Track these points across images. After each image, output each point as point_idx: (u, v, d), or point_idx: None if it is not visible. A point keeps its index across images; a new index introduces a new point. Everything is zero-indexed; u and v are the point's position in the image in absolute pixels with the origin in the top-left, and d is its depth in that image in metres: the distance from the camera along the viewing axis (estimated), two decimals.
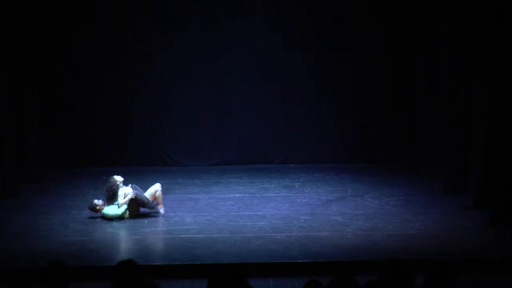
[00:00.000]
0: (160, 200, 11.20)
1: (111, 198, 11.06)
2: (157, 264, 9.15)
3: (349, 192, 12.66)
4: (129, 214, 11.04)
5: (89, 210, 11.10)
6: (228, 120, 14.91)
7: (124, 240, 10.44)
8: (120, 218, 10.99)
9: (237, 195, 12.56)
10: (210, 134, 14.94)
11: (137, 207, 11.09)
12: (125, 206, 10.97)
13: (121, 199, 10.98)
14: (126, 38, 14.56)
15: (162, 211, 11.16)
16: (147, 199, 11.10)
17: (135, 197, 10.98)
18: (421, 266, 5.61)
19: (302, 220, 10.91)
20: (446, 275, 5.27)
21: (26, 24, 13.00)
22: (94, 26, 14.42)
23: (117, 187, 11.05)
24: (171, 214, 11.30)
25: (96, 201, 11.10)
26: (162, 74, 14.71)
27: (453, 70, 12.31)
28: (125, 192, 11.07)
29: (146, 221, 10.98)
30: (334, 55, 14.69)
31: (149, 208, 11.16)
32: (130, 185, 11.35)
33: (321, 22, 14.61)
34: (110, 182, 11.13)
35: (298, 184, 13.23)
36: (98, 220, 11.02)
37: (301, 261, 9.21)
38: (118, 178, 11.16)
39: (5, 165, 12.30)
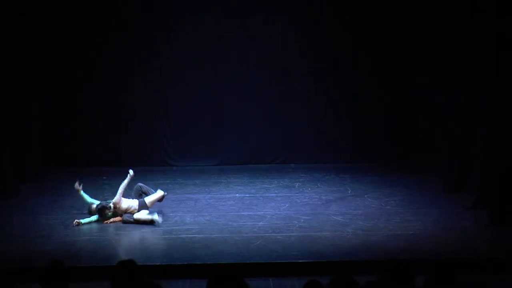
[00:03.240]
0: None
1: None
2: (157, 264, 9.15)
3: (349, 192, 12.66)
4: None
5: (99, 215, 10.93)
6: (228, 120, 14.91)
7: (124, 240, 10.43)
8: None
9: (237, 195, 12.56)
10: (210, 134, 14.93)
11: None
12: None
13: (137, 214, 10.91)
14: (126, 38, 14.55)
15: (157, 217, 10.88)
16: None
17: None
18: (421, 266, 5.60)
19: (302, 220, 10.92)
20: (446, 275, 5.27)
21: (26, 24, 12.99)
22: (94, 26, 14.41)
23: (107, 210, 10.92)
24: (171, 214, 11.30)
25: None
26: (162, 74, 14.70)
27: (453, 70, 12.31)
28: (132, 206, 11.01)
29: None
30: (334, 55, 14.69)
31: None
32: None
33: (321, 22, 14.61)
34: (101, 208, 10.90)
35: (298, 184, 13.23)
36: (97, 219, 11.02)
37: (301, 261, 9.21)
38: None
39: (5, 165, 12.30)
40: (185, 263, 9.21)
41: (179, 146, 14.94)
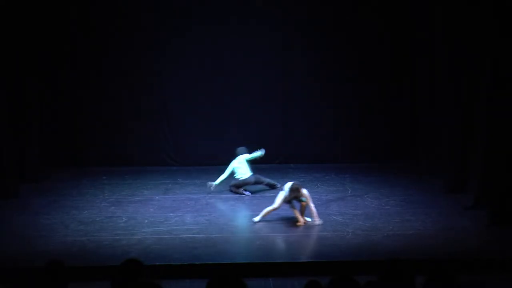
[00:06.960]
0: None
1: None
2: (157, 264, 9.15)
3: (349, 192, 12.67)
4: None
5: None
6: (228, 120, 14.91)
7: (124, 240, 10.42)
8: None
9: (237, 195, 12.57)
10: (210, 134, 14.93)
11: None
12: None
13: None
14: (127, 39, 14.56)
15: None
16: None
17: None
18: (421, 266, 5.61)
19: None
20: (446, 275, 5.27)
21: (27, 24, 12.99)
22: (95, 27, 14.41)
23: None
24: (171, 214, 11.31)
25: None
26: (163, 74, 14.71)
27: (453, 70, 12.31)
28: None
29: (146, 221, 10.99)
30: (334, 55, 14.70)
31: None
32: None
33: (321, 22, 14.62)
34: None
35: None
36: (97, 219, 11.03)
37: (301, 261, 9.21)
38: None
39: (5, 165, 12.30)
40: (185, 263, 9.21)
41: (179, 146, 14.94)
